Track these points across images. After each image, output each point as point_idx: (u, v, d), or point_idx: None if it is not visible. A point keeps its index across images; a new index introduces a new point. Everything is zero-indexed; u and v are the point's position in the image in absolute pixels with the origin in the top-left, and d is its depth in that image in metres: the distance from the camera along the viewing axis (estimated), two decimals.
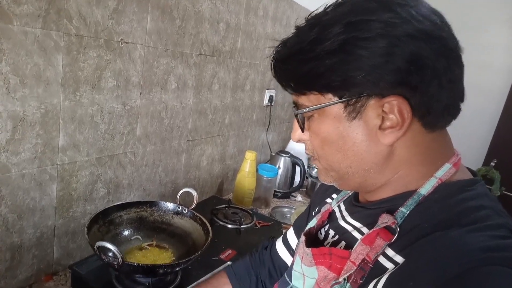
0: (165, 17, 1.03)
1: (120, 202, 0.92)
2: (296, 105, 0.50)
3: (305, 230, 0.59)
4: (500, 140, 2.72)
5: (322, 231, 0.58)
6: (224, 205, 1.35)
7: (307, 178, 1.85)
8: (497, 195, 2.68)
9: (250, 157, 1.46)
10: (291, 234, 0.74)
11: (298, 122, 0.51)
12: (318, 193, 0.71)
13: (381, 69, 0.40)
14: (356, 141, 0.45)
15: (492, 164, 2.70)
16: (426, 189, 0.44)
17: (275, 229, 1.25)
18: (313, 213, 0.67)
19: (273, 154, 1.81)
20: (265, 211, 1.52)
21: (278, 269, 0.73)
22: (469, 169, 0.50)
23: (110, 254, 0.72)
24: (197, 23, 1.16)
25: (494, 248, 0.36)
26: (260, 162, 1.87)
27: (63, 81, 0.81)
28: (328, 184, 0.53)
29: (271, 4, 1.57)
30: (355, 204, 0.55)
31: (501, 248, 0.36)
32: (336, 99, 0.44)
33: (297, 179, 1.78)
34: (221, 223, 1.21)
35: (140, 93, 1.02)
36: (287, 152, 1.76)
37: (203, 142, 1.38)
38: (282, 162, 1.75)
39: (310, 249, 0.51)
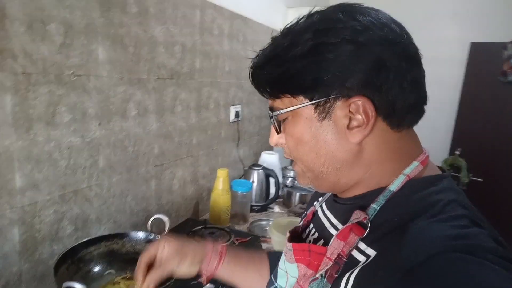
0: (116, 46, 1.03)
1: (89, 238, 0.89)
2: (272, 109, 0.53)
3: (292, 228, 0.61)
4: (461, 129, 2.85)
5: (307, 230, 0.61)
6: (200, 226, 1.33)
7: (282, 188, 1.87)
8: (465, 182, 2.78)
9: (222, 174, 1.46)
10: None
11: (274, 125, 0.53)
12: (310, 200, 0.73)
13: (347, 71, 0.44)
14: (326, 140, 0.48)
15: (457, 152, 2.82)
16: (395, 185, 0.47)
17: (254, 244, 1.25)
18: (303, 216, 0.69)
19: (246, 168, 1.82)
20: (243, 227, 1.51)
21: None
22: (440, 167, 0.53)
23: None
24: (151, 48, 1.16)
25: (456, 237, 0.38)
26: (234, 177, 1.87)
27: (13, 121, 0.79)
28: (306, 186, 0.57)
29: (225, 22, 1.60)
30: (334, 200, 0.57)
31: (462, 236, 0.38)
32: (307, 101, 0.47)
33: (273, 190, 1.79)
34: None
35: (99, 124, 1.01)
36: (260, 165, 1.77)
37: (172, 165, 1.37)
38: (256, 176, 1.75)
39: (291, 244, 0.53)
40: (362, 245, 0.45)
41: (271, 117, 0.53)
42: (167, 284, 0.78)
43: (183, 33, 1.31)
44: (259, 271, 0.73)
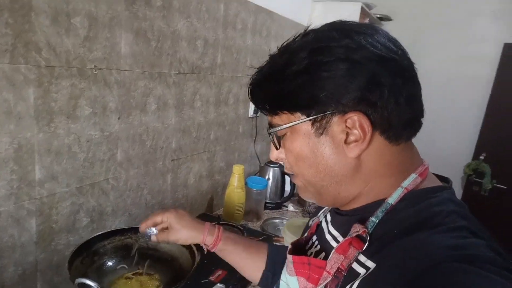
0: (139, 40, 1.02)
1: (103, 231, 0.90)
2: (271, 125, 0.54)
3: (295, 240, 0.62)
4: (487, 133, 2.73)
5: (310, 242, 0.61)
6: (214, 223, 1.33)
7: None
8: (488, 188, 2.69)
9: (237, 171, 1.45)
10: None
11: (272, 141, 0.55)
12: (315, 211, 0.73)
13: (342, 88, 0.45)
14: (325, 155, 0.49)
15: (481, 157, 2.72)
16: (393, 198, 0.47)
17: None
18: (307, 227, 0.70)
19: (262, 165, 1.81)
20: (256, 224, 1.51)
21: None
22: (442, 177, 0.53)
23: None
24: (174, 42, 1.15)
25: (455, 247, 0.39)
26: (250, 173, 1.86)
27: (35, 114, 0.80)
28: (308, 200, 0.58)
29: (250, 16, 1.57)
30: (335, 211, 0.58)
31: (461, 247, 0.39)
32: (304, 117, 0.48)
33: (288, 188, 1.77)
34: None
35: (119, 118, 1.01)
36: (276, 163, 1.75)
37: (189, 160, 1.36)
38: (272, 173, 1.74)
39: (291, 256, 0.54)
40: (362, 258, 0.46)
41: (269, 133, 0.54)
42: (177, 284, 0.78)
43: (206, 27, 1.29)
44: (254, 261, 0.78)
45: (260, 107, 0.54)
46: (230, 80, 1.52)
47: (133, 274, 0.89)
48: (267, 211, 1.66)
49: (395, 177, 0.49)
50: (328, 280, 0.47)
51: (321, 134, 0.48)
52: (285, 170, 0.58)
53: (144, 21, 1.02)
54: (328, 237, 0.56)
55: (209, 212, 1.54)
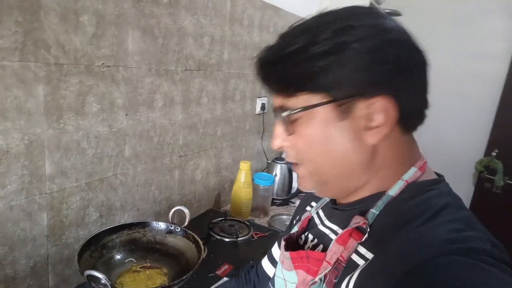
0: (146, 37, 1.03)
1: (112, 226, 0.92)
2: (281, 109, 0.49)
3: (286, 236, 0.61)
4: (500, 129, 2.68)
5: (303, 237, 0.61)
6: (221, 218, 1.35)
7: None
8: (500, 185, 2.65)
9: (244, 167, 1.46)
10: (275, 248, 0.75)
11: (283, 126, 0.50)
12: (300, 205, 0.73)
13: (370, 70, 0.43)
14: (343, 141, 0.46)
15: (494, 154, 2.67)
16: (394, 190, 0.47)
17: (273, 239, 1.24)
18: (294, 222, 0.70)
19: (269, 161, 1.81)
20: (263, 220, 1.52)
21: (263, 285, 0.73)
22: (436, 173, 0.53)
23: (102, 281, 0.71)
24: (180, 39, 1.16)
25: (452, 240, 0.39)
26: (257, 170, 1.87)
27: (45, 111, 0.81)
28: (308, 191, 0.55)
29: (257, 13, 1.57)
30: (332, 207, 0.57)
31: (459, 240, 0.39)
32: (327, 99, 0.45)
33: (295, 184, 1.77)
34: (218, 237, 1.21)
35: (126, 114, 1.03)
36: (283, 159, 1.76)
37: (196, 156, 1.38)
38: (279, 169, 1.74)
39: (288, 252, 0.53)
40: (362, 249, 0.46)
41: (276, 116, 0.50)
42: (184, 277, 0.79)
43: (213, 24, 1.30)
44: None
45: (273, 87, 0.50)
46: (237, 77, 1.52)
47: (140, 268, 0.91)
48: (274, 207, 1.67)
49: (398, 168, 0.48)
50: (327, 270, 0.47)
51: (342, 118, 0.45)
52: (288, 159, 0.53)
53: (151, 18, 1.03)
54: (325, 231, 0.55)
55: (216, 208, 1.55)
